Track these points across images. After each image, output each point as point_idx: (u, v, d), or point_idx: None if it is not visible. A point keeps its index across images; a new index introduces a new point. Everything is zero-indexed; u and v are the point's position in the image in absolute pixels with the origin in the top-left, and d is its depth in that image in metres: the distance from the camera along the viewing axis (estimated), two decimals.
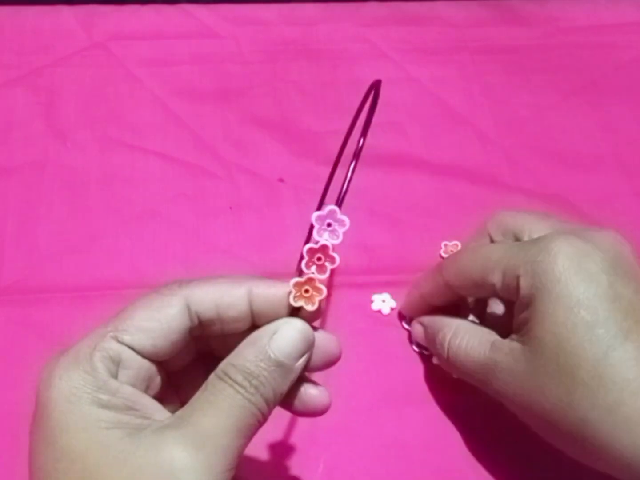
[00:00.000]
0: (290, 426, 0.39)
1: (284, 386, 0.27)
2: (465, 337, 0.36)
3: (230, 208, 0.48)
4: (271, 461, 0.38)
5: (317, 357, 0.28)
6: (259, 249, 0.46)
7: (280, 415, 0.39)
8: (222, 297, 0.27)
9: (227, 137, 0.52)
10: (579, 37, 0.60)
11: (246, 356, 0.26)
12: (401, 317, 0.44)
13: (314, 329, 0.28)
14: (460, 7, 0.61)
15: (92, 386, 0.25)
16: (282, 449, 0.38)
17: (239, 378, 0.26)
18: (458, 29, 0.60)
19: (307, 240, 0.30)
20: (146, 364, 0.27)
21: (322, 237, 0.26)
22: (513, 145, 0.53)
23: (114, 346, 0.26)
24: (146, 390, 0.27)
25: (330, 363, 0.29)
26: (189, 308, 0.27)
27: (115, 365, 0.26)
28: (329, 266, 0.26)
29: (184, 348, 0.29)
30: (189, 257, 0.46)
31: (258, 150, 0.51)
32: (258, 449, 0.38)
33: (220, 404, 0.25)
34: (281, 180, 0.50)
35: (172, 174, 0.49)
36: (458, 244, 0.46)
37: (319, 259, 0.26)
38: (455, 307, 0.40)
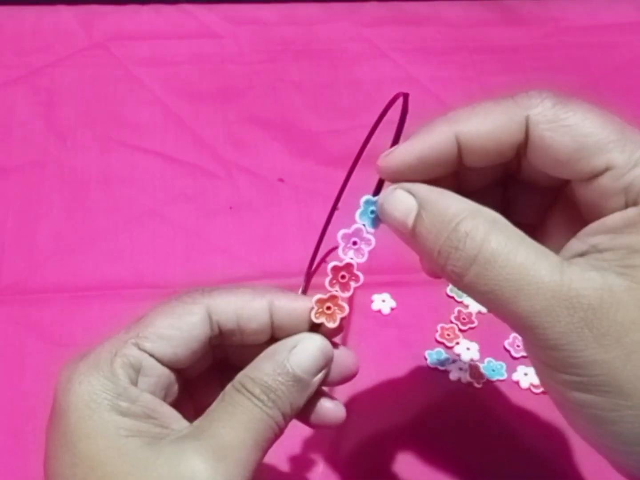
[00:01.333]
0: (291, 426, 0.39)
1: (301, 400, 0.27)
2: (507, 244, 0.24)
3: (230, 208, 0.48)
4: (271, 461, 0.38)
5: (335, 372, 0.28)
6: (259, 249, 0.46)
7: None
8: (244, 308, 0.27)
9: (227, 137, 0.52)
10: (579, 37, 0.60)
11: (264, 369, 0.26)
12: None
13: (334, 344, 0.28)
14: (460, 7, 0.61)
15: (112, 392, 0.25)
16: (282, 449, 0.38)
17: (257, 391, 0.26)
18: (458, 29, 0.60)
19: (319, 243, 0.30)
20: (166, 371, 0.27)
21: (347, 256, 0.26)
22: None
23: (135, 353, 0.26)
24: (165, 397, 0.27)
25: (347, 379, 0.29)
26: (210, 317, 0.27)
27: (136, 373, 0.26)
28: (353, 285, 0.27)
29: (203, 356, 0.28)
30: (189, 257, 0.46)
31: (258, 150, 0.51)
32: None
33: (239, 416, 0.25)
34: (281, 180, 0.50)
35: (172, 174, 0.49)
36: None
37: (342, 277, 0.27)
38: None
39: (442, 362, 0.42)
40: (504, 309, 0.24)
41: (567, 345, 0.23)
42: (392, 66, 0.57)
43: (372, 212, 0.27)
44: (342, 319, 0.27)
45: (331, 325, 0.27)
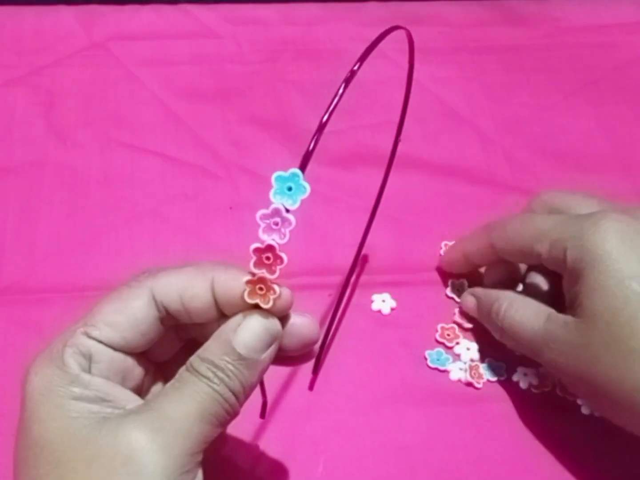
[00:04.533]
0: (291, 426, 0.39)
1: (253, 378, 0.27)
2: (521, 309, 0.37)
3: (230, 208, 0.48)
4: (271, 461, 0.38)
5: (292, 342, 0.28)
6: None
7: (280, 416, 0.39)
8: (186, 288, 0.28)
9: (227, 137, 0.52)
10: (579, 37, 0.60)
11: (212, 349, 0.27)
12: (444, 279, 0.45)
13: (285, 317, 0.28)
14: (460, 7, 0.61)
15: (65, 381, 0.26)
16: (282, 449, 0.38)
17: (202, 369, 0.26)
18: (458, 29, 0.60)
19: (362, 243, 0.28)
20: (119, 356, 0.28)
21: (267, 237, 0.26)
22: (513, 145, 0.53)
23: (84, 341, 0.27)
24: (122, 381, 0.28)
25: (308, 345, 0.29)
26: (155, 299, 0.28)
27: (87, 360, 0.27)
28: (278, 267, 0.26)
29: (165, 339, 0.29)
30: (189, 257, 0.46)
31: (258, 150, 0.51)
32: (258, 449, 0.38)
33: (184, 391, 0.26)
34: None
35: (172, 174, 0.49)
36: None
37: (267, 258, 0.26)
38: (505, 274, 0.42)
39: (442, 362, 0.42)
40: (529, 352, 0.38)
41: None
42: (392, 66, 0.57)
43: (289, 188, 0.26)
44: (276, 300, 0.26)
45: (265, 306, 0.26)
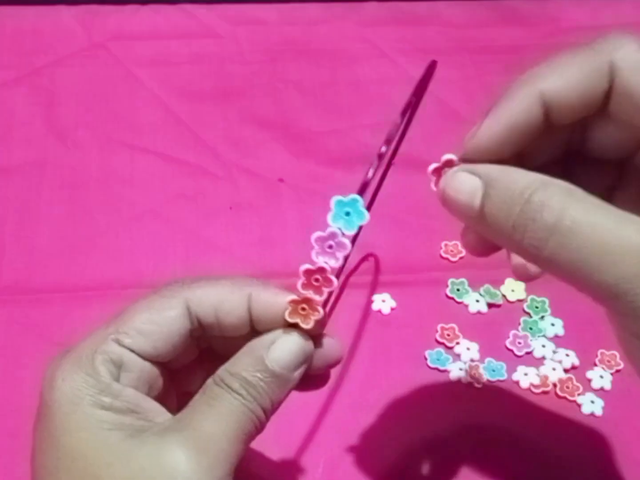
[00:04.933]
0: (291, 426, 0.39)
1: (282, 395, 0.27)
2: (588, 210, 0.23)
3: (230, 208, 0.48)
4: (271, 462, 0.38)
5: (319, 361, 0.28)
6: (259, 249, 0.46)
7: (280, 416, 0.39)
8: (222, 302, 0.27)
9: (227, 137, 0.52)
10: (579, 37, 0.60)
11: (243, 365, 0.26)
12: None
13: (317, 337, 0.28)
14: (460, 7, 0.61)
15: (95, 389, 0.25)
16: (282, 449, 0.38)
17: (236, 385, 0.26)
18: (458, 29, 0.60)
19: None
20: (148, 366, 0.27)
21: (321, 259, 0.26)
22: None
23: (116, 349, 0.26)
24: (148, 391, 0.27)
25: (331, 366, 0.29)
26: (189, 311, 0.27)
27: (117, 368, 0.26)
28: (325, 290, 0.26)
29: (186, 348, 0.28)
30: (189, 257, 0.46)
31: (258, 150, 0.51)
32: (258, 450, 0.38)
33: (219, 409, 0.25)
34: (281, 180, 0.50)
35: (172, 174, 0.49)
36: (458, 243, 0.46)
37: (316, 280, 0.26)
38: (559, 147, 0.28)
39: (442, 362, 0.42)
40: (589, 280, 0.22)
41: None
42: (392, 66, 0.57)
43: (347, 213, 0.26)
44: (316, 322, 0.26)
45: (305, 326, 0.26)
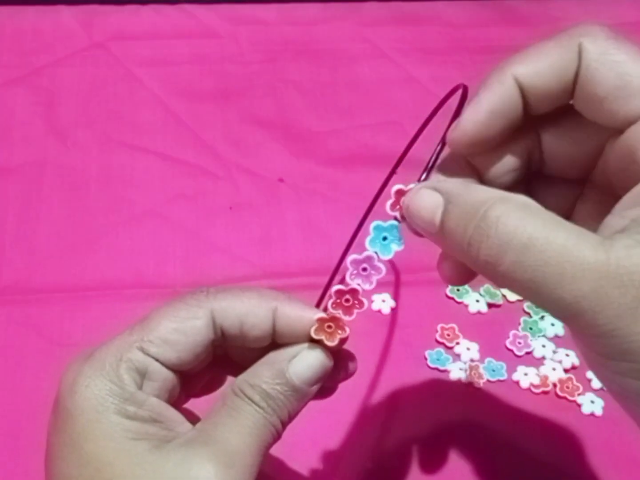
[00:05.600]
0: (291, 426, 0.39)
1: (298, 408, 0.27)
2: (544, 226, 0.22)
3: (230, 208, 0.48)
4: (271, 462, 0.38)
5: (334, 375, 0.28)
6: (259, 249, 0.46)
7: None
8: (248, 315, 0.27)
9: (227, 137, 0.52)
10: None
11: (263, 376, 0.26)
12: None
13: (335, 353, 0.28)
14: (460, 7, 0.61)
15: (119, 397, 0.25)
16: (282, 450, 0.38)
17: (257, 398, 0.26)
18: (458, 29, 0.60)
19: (347, 249, 0.28)
20: (170, 375, 0.27)
21: (354, 281, 0.26)
22: None
23: (140, 357, 0.26)
24: (168, 399, 0.27)
25: (344, 379, 0.29)
26: (214, 321, 0.27)
27: (141, 377, 0.26)
28: (356, 311, 0.27)
29: (205, 357, 0.28)
30: (189, 257, 0.46)
31: (258, 150, 0.51)
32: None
33: (242, 421, 0.25)
34: (281, 180, 0.50)
35: (172, 174, 0.49)
36: None
37: (347, 300, 0.27)
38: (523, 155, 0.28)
39: (442, 362, 0.42)
40: (547, 297, 0.22)
41: (620, 330, 0.21)
42: (392, 66, 0.57)
43: (384, 238, 0.27)
44: (341, 340, 0.27)
45: (329, 343, 0.27)
